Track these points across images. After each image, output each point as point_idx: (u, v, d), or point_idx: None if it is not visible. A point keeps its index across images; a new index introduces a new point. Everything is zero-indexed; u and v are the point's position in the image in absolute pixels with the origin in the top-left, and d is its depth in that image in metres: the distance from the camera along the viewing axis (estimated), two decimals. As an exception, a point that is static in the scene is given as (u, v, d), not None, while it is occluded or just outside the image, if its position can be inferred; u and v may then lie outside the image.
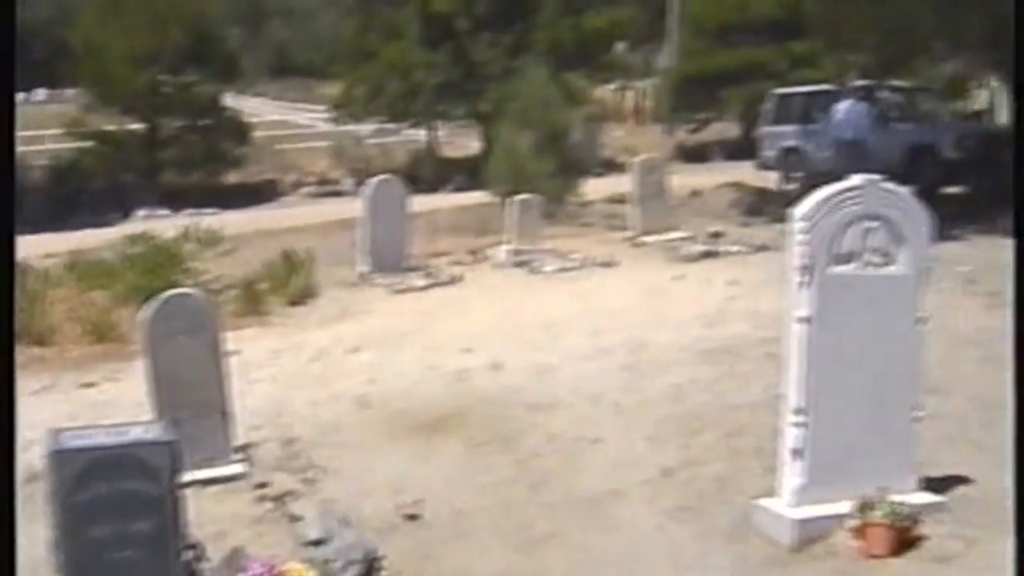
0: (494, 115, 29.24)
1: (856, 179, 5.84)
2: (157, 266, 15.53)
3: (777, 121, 24.22)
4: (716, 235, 17.80)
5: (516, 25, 35.19)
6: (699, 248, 16.53)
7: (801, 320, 5.77)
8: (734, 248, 16.48)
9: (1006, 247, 15.83)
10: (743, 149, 30.12)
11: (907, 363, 6.02)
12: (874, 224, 5.82)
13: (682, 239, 17.66)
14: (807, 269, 5.73)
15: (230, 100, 38.16)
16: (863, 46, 22.74)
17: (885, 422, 5.98)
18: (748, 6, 32.89)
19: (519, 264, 16.16)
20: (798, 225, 5.74)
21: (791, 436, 5.90)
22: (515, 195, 17.76)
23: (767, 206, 20.27)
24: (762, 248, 15.92)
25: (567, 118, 24.19)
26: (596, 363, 9.96)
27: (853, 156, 20.55)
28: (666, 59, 40.43)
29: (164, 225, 21.94)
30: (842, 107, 21.68)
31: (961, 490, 6.25)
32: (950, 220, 17.27)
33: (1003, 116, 26.19)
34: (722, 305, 12.20)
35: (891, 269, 5.90)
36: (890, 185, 5.95)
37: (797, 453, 5.87)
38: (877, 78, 22.76)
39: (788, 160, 23.41)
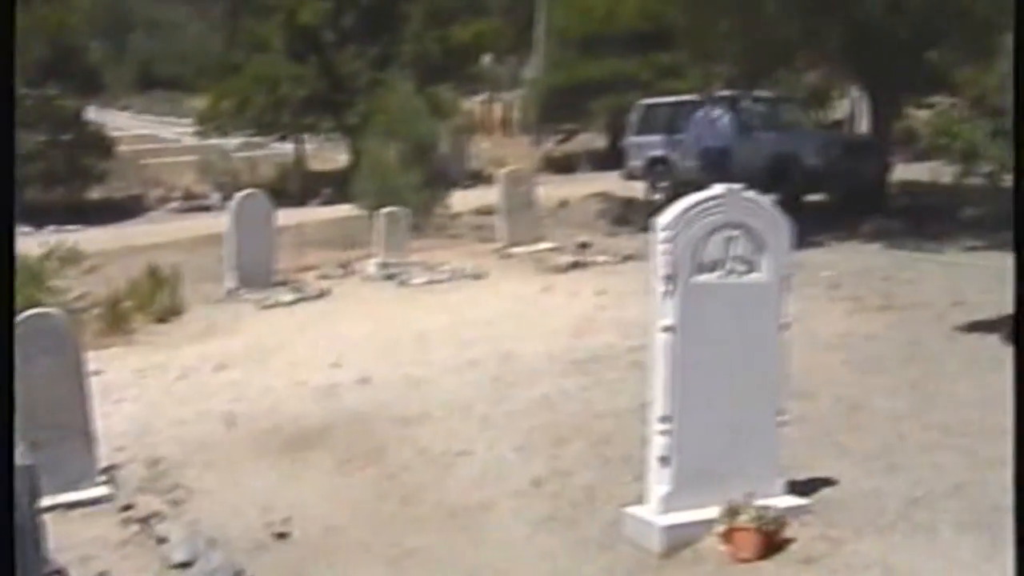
0: (361, 128, 29.15)
1: (718, 188, 5.93)
2: (19, 285, 15.16)
3: (643, 131, 24.45)
4: (584, 246, 17.95)
5: (382, 37, 35.14)
6: (567, 259, 16.65)
7: (666, 329, 5.85)
8: (602, 258, 16.63)
9: (867, 252, 16.29)
10: (610, 159, 30.41)
11: (771, 369, 6.12)
12: (736, 232, 5.92)
13: (550, 250, 17.79)
14: (671, 278, 5.81)
15: (93, 114, 37.45)
16: (727, 56, 23.14)
17: (750, 427, 6.07)
18: (614, 17, 33.28)
19: (388, 277, 16.11)
20: (661, 235, 5.81)
21: (657, 444, 5.97)
22: (383, 208, 17.72)
23: (634, 216, 20.49)
24: (629, 258, 16.09)
25: (434, 130, 24.20)
26: (465, 375, 9.98)
27: (716, 165, 20.97)
28: (533, 70, 40.72)
29: (27, 243, 21.41)
30: (704, 117, 22.17)
31: (826, 492, 6.38)
32: (813, 227, 17.67)
33: (862, 125, 26.82)
34: (590, 315, 12.31)
35: (754, 277, 6.00)
36: (751, 194, 6.05)
37: (664, 461, 5.94)
38: (741, 88, 23.18)
39: (654, 170, 23.66)
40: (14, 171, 3.44)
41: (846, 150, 21.55)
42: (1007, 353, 9.62)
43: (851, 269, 14.60)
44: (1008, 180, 9.80)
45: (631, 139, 25.02)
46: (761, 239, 5.98)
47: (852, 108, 30.83)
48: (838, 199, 21.25)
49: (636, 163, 24.48)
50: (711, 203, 5.89)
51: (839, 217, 18.85)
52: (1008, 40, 19.15)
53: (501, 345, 10.96)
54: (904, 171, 22.16)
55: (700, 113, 22.70)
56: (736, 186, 5.96)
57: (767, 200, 6.15)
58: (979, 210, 17.01)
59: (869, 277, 13.99)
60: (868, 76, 21.59)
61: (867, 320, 11.47)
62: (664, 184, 22.72)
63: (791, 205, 20.27)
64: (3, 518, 3.45)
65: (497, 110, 44.87)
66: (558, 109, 35.75)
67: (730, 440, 6.03)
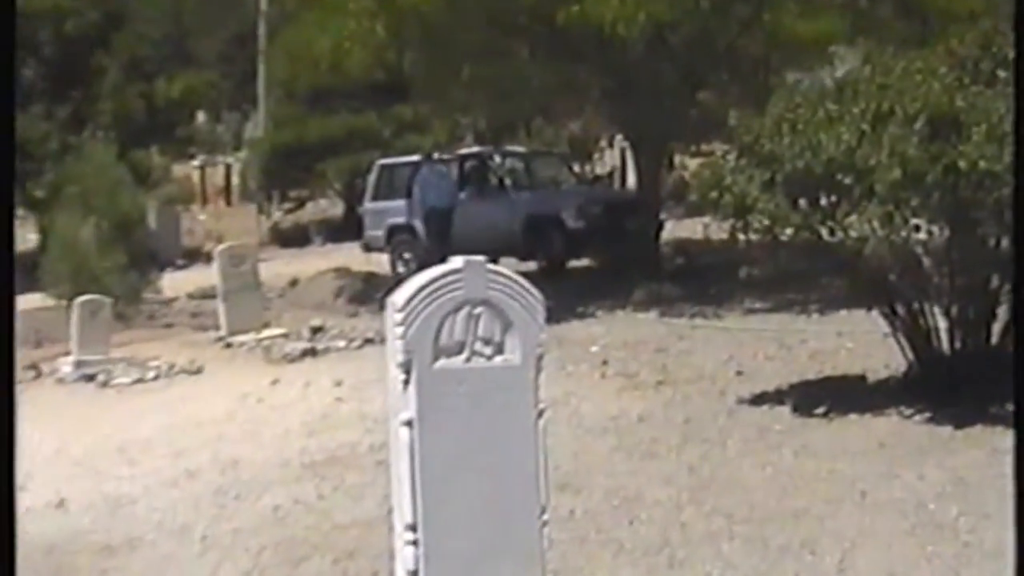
0: (50, 202, 28.47)
1: (457, 261, 5.99)
2: None
3: (382, 195, 24.61)
4: (318, 330, 17.88)
5: (74, 93, 34.48)
6: (299, 346, 16.57)
7: (405, 423, 5.85)
8: (339, 344, 16.60)
9: (640, 322, 16.72)
10: (347, 229, 30.49)
11: (530, 462, 6.17)
12: (479, 310, 5.98)
13: (280, 337, 17.67)
14: (407, 365, 5.83)
15: None
16: (474, 108, 23.52)
17: (508, 529, 6.10)
18: (343, 67, 33.30)
19: (86, 378, 15.74)
20: (394, 316, 5.83)
21: (405, 556, 5.94)
22: (79, 296, 17.31)
23: (376, 293, 20.56)
24: (371, 342, 16.10)
25: (140, 202, 23.85)
26: (181, 489, 9.79)
27: (441, 229, 21.30)
28: (255, 129, 40.59)
29: None
30: (428, 174, 22.44)
31: (599, 597, 6.47)
32: (579, 296, 18.07)
33: (630, 178, 27.54)
34: (327, 410, 12.26)
35: (502, 359, 6.06)
36: (493, 266, 6.13)
37: (412, 575, 5.92)
38: (492, 142, 23.61)
39: (396, 239, 23.84)
40: (14, 171, 3.77)
41: (609, 208, 22.12)
42: (796, 425, 10.02)
43: (622, 341, 14.94)
44: (786, 234, 10.21)
45: (369, 205, 25.13)
46: (507, 316, 6.05)
47: (622, 159, 31.66)
48: (606, 263, 21.74)
49: (376, 232, 24.59)
50: (449, 278, 5.93)
51: (608, 284, 19.29)
52: (781, 79, 20.05)
53: (224, 451, 10.81)
54: (678, 228, 22.86)
55: (424, 170, 22.97)
56: (476, 258, 6.03)
57: (511, 272, 6.24)
58: (758, 269, 17.65)
59: (643, 349, 14.33)
60: (632, 124, 22.19)
61: (640, 398, 11.74)
62: (409, 255, 22.88)
63: (554, 272, 20.92)
64: (3, 517, 3.61)
65: (216, 176, 44.56)
66: (286, 173, 35.70)
67: (487, 546, 6.04)
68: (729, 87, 21.85)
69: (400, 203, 23.87)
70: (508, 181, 23.34)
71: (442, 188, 22.56)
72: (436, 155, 24.17)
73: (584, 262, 22.17)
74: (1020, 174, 4.52)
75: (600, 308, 17.61)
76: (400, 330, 5.84)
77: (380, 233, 24.43)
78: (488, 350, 6.01)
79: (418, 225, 23.14)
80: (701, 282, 18.78)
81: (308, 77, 34.17)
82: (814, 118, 10.13)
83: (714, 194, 10.49)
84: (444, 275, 5.94)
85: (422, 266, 7.43)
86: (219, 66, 45.58)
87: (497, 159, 23.96)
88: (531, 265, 20.80)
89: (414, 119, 30.94)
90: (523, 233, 21.30)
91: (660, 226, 21.84)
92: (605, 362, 13.67)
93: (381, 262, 24.20)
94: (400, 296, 5.89)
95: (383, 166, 25.24)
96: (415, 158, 24.46)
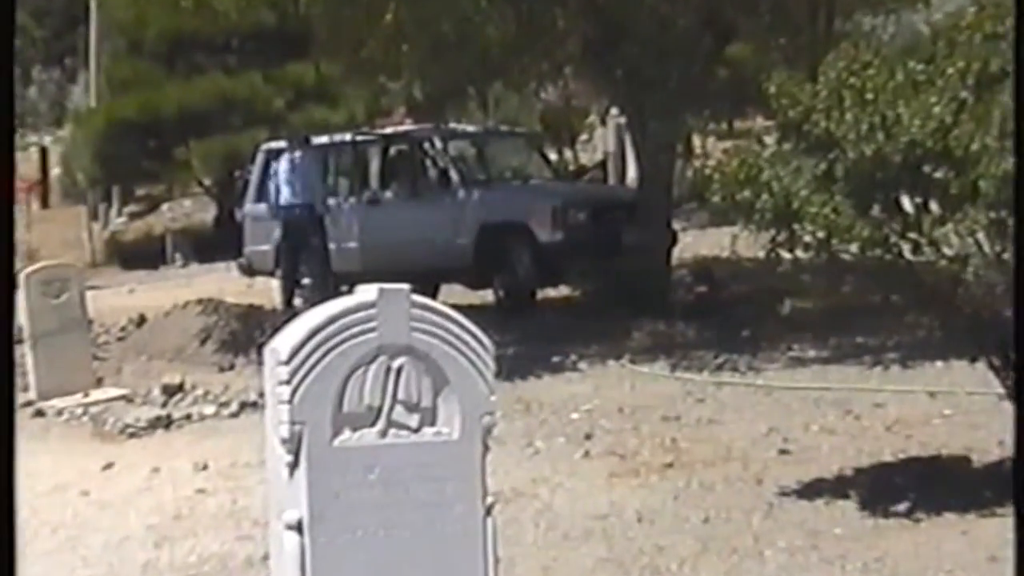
0: None
1: (369, 291, 5.96)
2: None
3: (266, 195, 24.25)
4: (175, 390, 17.74)
5: None
6: (147, 414, 16.45)
7: (292, 527, 5.83)
8: (205, 410, 16.51)
9: (640, 376, 16.68)
10: (221, 242, 30.30)
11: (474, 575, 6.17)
12: (400, 362, 5.96)
13: (117, 400, 17.53)
14: (295, 442, 5.80)
15: None
16: (403, 68, 23.13)
17: None
18: (213, 6, 32.72)
19: None
20: (277, 372, 5.81)
21: None
22: None
23: (261, 335, 20.45)
24: (250, 406, 16.00)
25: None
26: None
27: (299, 238, 21.18)
28: (84, 96, 40.45)
29: None
30: (285, 165, 22.21)
31: None
32: (553, 340, 18.01)
33: (629, 170, 27.33)
34: (185, 507, 12.21)
35: (432, 432, 6.05)
36: (422, 299, 6.11)
37: None
38: (433, 118, 23.53)
39: (292, 257, 23.47)
40: (14, 171, 4.42)
41: (599, 213, 21.95)
42: (866, 528, 10.01)
43: (615, 405, 14.91)
44: (850, 251, 10.19)
45: (252, 208, 24.75)
46: (440, 371, 6.04)
47: (618, 143, 31.30)
48: (594, 293, 21.50)
49: (261, 247, 24.18)
50: (357, 316, 5.91)
51: (597, 322, 19.19)
52: (850, 27, 19.99)
53: (31, 569, 10.74)
54: (697, 242, 22.78)
55: (284, 159, 22.80)
56: (396, 287, 6.00)
57: (448, 309, 6.22)
58: (810, 301, 17.62)
59: (644, 417, 14.30)
60: (632, 92, 21.51)
61: (640, 488, 11.73)
62: (308, 280, 22.62)
63: (519, 306, 20.72)
64: (3, 517, 4.19)
65: (26, 164, 44.35)
66: (130, 160, 35.29)
67: None
68: (771, 38, 21.48)
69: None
70: (453, 174, 23.01)
71: (313, 186, 22.40)
72: (352, 135, 24.07)
73: (562, 291, 22.03)
74: (1020, 174, 5.26)
75: (584, 358, 17.52)
76: (285, 391, 5.80)
77: (267, 248, 24.03)
78: (413, 420, 6.00)
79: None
80: (729, 320, 18.72)
81: (162, 21, 33.88)
82: (891, 83, 10.09)
83: (747, 193, 10.39)
84: (350, 312, 5.90)
85: (328, 297, 7.39)
86: (30, 1, 45.46)
87: (438, 142, 23.68)
88: (485, 296, 20.95)
89: (317, 83, 30.46)
90: (475, 249, 21.10)
91: (672, 239, 21.40)
92: (590, 435, 13.64)
93: (269, 291, 23.98)
94: (285, 342, 5.85)
95: (272, 152, 24.59)
96: (323, 139, 24.31)
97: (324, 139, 24.38)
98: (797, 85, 10.77)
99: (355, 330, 5.89)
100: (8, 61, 4.23)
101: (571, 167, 33.42)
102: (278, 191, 23.05)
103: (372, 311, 5.91)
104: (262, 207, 24.26)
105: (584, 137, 38.24)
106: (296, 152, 23.07)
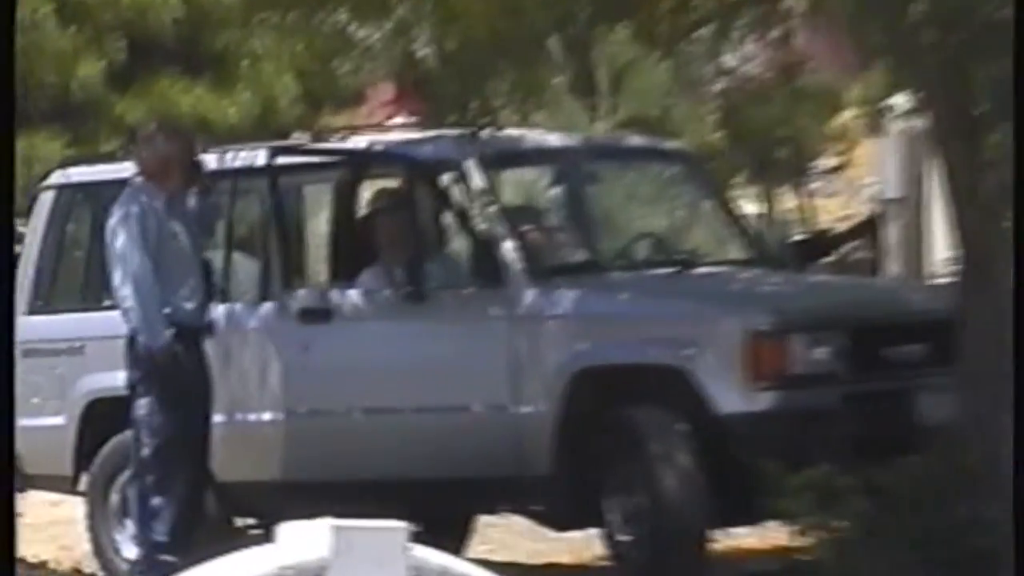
0: None
1: (307, 533, 2.45)
2: None
3: (62, 296, 13.36)
4: None
5: None
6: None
7: None
8: None
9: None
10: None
11: None
12: None
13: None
14: None
15: None
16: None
17: None
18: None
19: None
20: None
21: None
22: None
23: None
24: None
25: None
26: None
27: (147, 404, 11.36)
28: None
29: None
30: (116, 222, 11.49)
31: None
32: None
33: (938, 239, 15.08)
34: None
35: None
36: (434, 553, 3.27)
37: None
38: (445, 104, 13.61)
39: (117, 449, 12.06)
40: (14, 171, 4.92)
41: (867, 345, 11.25)
42: None
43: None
44: None
45: (27, 326, 11.72)
46: None
47: (915, 178, 19.23)
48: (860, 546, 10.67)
49: (43, 421, 12.43)
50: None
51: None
52: None
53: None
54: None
55: (116, 211, 11.73)
56: (379, 525, 3.27)
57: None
58: None
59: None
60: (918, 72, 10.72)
61: None
62: (163, 506, 11.38)
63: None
64: (3, 517, 4.31)
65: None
66: None
67: None
68: None
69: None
70: (509, 249, 11.61)
71: (177, 275, 11.66)
72: (268, 150, 12.09)
73: (773, 535, 11.69)
74: (1020, 174, 5.71)
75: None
76: None
77: (59, 424, 12.65)
78: None
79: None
80: None
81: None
82: None
83: None
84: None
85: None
86: None
87: (472, 168, 11.82)
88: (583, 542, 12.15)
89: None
90: (559, 431, 11.03)
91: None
92: None
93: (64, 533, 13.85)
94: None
95: (76, 192, 13.31)
96: (207, 158, 12.26)
97: (209, 158, 12.27)
98: None
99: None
100: (8, 61, 4.68)
101: (792, 230, 20.05)
102: (92, 288, 12.76)
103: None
104: (53, 325, 12.92)
105: (830, 162, 23.03)
106: (139, 192, 11.76)
